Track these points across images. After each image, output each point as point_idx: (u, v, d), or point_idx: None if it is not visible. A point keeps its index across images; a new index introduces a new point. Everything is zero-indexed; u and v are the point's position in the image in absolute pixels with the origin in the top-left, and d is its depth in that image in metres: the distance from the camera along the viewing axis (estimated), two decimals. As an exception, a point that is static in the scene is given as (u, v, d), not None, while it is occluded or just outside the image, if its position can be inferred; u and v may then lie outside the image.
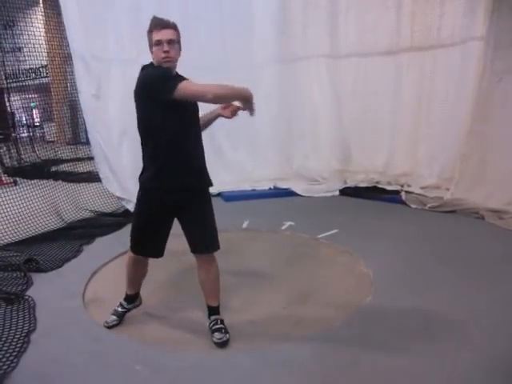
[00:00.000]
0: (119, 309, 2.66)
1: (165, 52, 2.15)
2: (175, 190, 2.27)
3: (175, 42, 2.20)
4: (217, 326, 2.39)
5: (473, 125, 4.83)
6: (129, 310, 2.68)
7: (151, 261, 2.57)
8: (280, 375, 2.08)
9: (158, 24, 2.20)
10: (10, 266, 3.44)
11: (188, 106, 2.24)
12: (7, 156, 8.92)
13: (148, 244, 2.43)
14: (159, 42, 2.16)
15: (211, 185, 2.49)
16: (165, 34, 2.16)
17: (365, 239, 3.98)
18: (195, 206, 2.36)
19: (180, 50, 2.28)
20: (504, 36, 4.44)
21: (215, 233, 2.40)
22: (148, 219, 2.37)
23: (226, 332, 2.38)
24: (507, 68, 4.46)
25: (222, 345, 2.32)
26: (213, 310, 2.46)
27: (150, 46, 2.23)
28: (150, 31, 2.21)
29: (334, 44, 6.04)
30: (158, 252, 2.46)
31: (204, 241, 2.36)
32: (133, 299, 2.69)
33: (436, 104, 5.54)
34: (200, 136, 2.39)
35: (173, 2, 5.85)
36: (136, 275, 2.61)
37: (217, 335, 2.35)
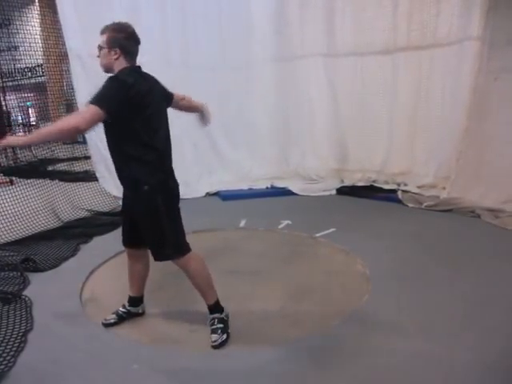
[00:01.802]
0: (120, 309, 2.66)
1: (97, 57, 2.25)
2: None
3: (101, 48, 2.20)
4: (213, 327, 2.38)
5: (469, 124, 4.85)
6: (129, 313, 2.66)
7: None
8: (277, 375, 2.09)
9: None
10: (7, 266, 3.43)
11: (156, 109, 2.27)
12: (3, 155, 8.87)
13: (124, 231, 2.52)
14: None
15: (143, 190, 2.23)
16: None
17: (362, 238, 3.99)
18: (135, 213, 2.32)
19: (114, 51, 2.17)
20: (500, 35, 4.46)
21: (161, 242, 2.27)
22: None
23: (224, 332, 2.37)
24: (503, 67, 4.48)
25: (217, 347, 2.31)
26: (210, 309, 2.45)
27: None
28: None
29: (331, 43, 6.05)
30: (134, 239, 2.47)
31: (153, 248, 2.34)
32: (135, 302, 2.68)
33: (432, 103, 5.56)
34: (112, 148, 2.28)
35: (171, 2, 5.85)
36: (131, 272, 2.61)
37: (213, 337, 2.34)
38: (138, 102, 2.10)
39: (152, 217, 2.22)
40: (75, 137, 2.11)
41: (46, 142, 2.19)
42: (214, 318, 2.42)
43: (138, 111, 2.11)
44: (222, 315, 2.44)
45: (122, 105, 2.04)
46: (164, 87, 2.41)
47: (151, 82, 2.28)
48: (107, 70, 2.24)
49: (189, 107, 2.72)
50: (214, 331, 2.37)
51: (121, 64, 2.20)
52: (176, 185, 2.36)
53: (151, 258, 2.44)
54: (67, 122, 2.03)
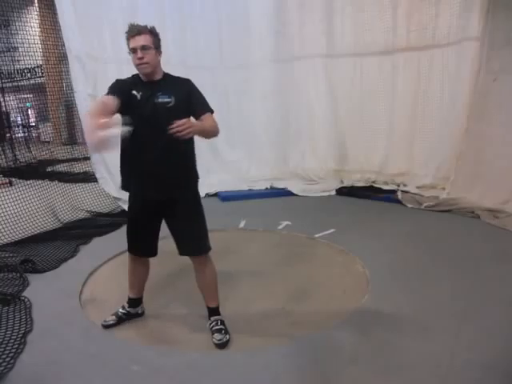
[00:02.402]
0: (120, 310, 2.66)
1: (139, 59, 2.17)
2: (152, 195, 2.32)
3: (149, 48, 2.18)
4: (217, 327, 2.39)
5: (468, 124, 4.86)
6: (129, 314, 2.66)
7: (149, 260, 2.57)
8: (277, 375, 2.08)
9: (131, 31, 2.18)
10: (6, 267, 3.42)
11: (138, 117, 2.14)
12: (2, 156, 8.86)
13: (137, 243, 2.48)
14: (134, 50, 2.18)
15: (188, 191, 2.37)
16: (138, 41, 2.16)
17: (361, 238, 3.99)
18: (179, 208, 2.33)
19: (159, 53, 2.24)
20: (499, 35, 4.47)
21: (203, 234, 2.38)
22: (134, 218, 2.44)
23: (226, 333, 2.38)
24: (502, 67, 4.49)
25: (222, 346, 2.32)
26: (212, 311, 2.47)
27: (129, 54, 2.24)
28: (127, 39, 2.21)
29: (331, 44, 6.06)
30: (149, 251, 2.49)
31: (191, 243, 2.36)
32: (134, 303, 2.68)
33: (432, 104, 5.57)
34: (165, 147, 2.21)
35: (169, 2, 5.86)
36: (133, 276, 2.61)
37: (217, 336, 2.35)
38: None
39: (199, 208, 2.38)
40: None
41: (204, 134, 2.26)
42: (216, 320, 2.43)
43: None
44: (222, 318, 2.46)
45: None
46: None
47: None
48: (153, 70, 2.22)
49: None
50: (218, 331, 2.38)
51: (160, 65, 2.28)
52: None
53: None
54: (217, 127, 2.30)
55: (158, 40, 2.24)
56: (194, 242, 2.36)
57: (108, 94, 2.19)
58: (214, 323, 2.42)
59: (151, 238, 2.45)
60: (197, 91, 2.30)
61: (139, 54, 2.15)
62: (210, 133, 2.27)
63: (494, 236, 3.95)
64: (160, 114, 2.18)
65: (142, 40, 2.15)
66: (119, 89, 2.21)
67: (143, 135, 2.17)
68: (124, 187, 2.40)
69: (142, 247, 2.48)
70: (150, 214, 2.36)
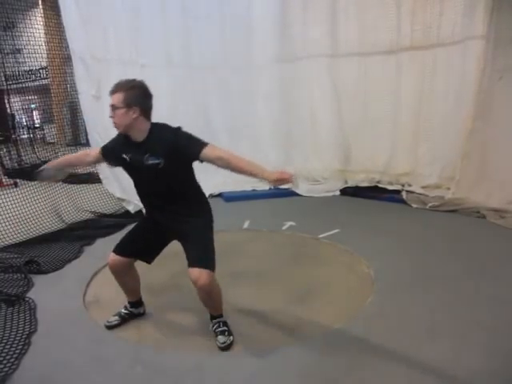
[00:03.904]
0: (122, 310, 2.66)
1: (110, 117, 2.19)
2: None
3: (117, 108, 2.12)
4: (220, 329, 2.38)
5: (474, 123, 4.82)
6: (131, 314, 2.67)
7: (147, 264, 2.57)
8: (281, 377, 2.07)
9: (111, 90, 2.18)
10: (11, 268, 3.43)
11: (134, 174, 2.34)
12: (7, 158, 8.91)
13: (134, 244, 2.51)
14: None
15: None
16: (110, 100, 2.17)
17: (366, 239, 3.97)
18: (189, 236, 2.36)
19: (134, 111, 2.12)
20: (504, 33, 4.43)
21: (209, 255, 2.31)
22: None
23: (230, 334, 2.37)
24: (508, 66, 4.45)
25: (226, 348, 2.31)
26: (213, 316, 2.45)
27: None
28: None
29: (334, 43, 6.03)
30: (142, 255, 2.51)
31: (195, 256, 2.29)
32: (135, 304, 2.69)
33: (436, 103, 5.52)
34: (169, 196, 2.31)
35: (172, 3, 5.86)
36: (124, 286, 2.61)
37: (220, 339, 2.34)
38: None
39: (207, 236, 2.42)
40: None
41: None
42: (218, 322, 2.42)
43: None
44: (224, 319, 2.45)
45: None
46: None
47: None
48: (125, 130, 2.19)
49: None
50: (221, 333, 2.36)
51: (141, 122, 2.18)
52: None
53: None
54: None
55: (134, 95, 2.12)
56: (199, 254, 2.30)
57: (100, 152, 2.39)
58: (216, 325, 2.41)
59: (151, 246, 2.45)
60: (186, 138, 2.19)
61: (110, 114, 2.18)
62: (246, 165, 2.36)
63: (500, 236, 3.92)
64: (153, 173, 2.20)
65: (112, 99, 2.15)
66: (111, 156, 2.37)
67: (144, 187, 2.34)
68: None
69: (137, 249, 2.46)
70: (158, 232, 2.42)
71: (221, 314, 2.46)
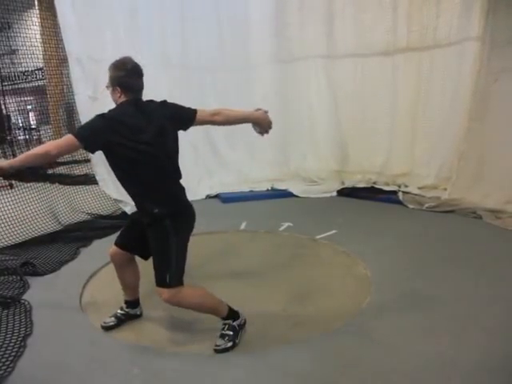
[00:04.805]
0: (118, 311, 2.65)
1: None
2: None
3: (107, 86, 2.27)
4: (223, 332, 2.35)
5: (470, 124, 4.84)
6: (128, 314, 2.66)
7: (149, 262, 2.55)
8: (279, 378, 2.07)
9: None
10: (7, 270, 3.41)
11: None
12: (3, 159, 8.86)
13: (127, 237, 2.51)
14: None
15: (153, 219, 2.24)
16: None
17: (363, 240, 3.97)
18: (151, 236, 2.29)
19: (114, 89, 2.22)
20: (500, 35, 4.45)
21: (164, 269, 2.20)
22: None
23: (230, 340, 2.32)
24: (504, 67, 4.47)
25: (219, 351, 2.28)
26: (223, 317, 2.41)
27: None
28: None
29: (331, 44, 6.05)
30: (136, 250, 2.49)
31: (155, 274, 2.23)
32: (132, 305, 2.67)
33: (433, 104, 5.55)
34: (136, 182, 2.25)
35: (169, 4, 5.85)
36: (123, 281, 2.60)
37: (218, 341, 2.32)
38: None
39: (163, 245, 2.26)
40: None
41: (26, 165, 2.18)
42: (225, 324, 2.38)
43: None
44: (234, 323, 2.38)
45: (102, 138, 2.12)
46: (175, 110, 2.31)
47: (148, 111, 2.23)
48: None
49: (229, 121, 2.52)
50: (221, 336, 2.34)
51: (119, 102, 2.24)
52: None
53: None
54: (44, 147, 2.14)
55: (116, 76, 2.19)
56: (157, 271, 2.23)
57: None
58: (222, 327, 2.38)
59: (142, 241, 2.37)
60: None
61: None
62: (23, 159, 2.18)
63: (497, 236, 3.93)
64: None
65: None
66: None
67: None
68: None
69: (130, 243, 2.47)
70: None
71: (229, 316, 2.38)
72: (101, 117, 2.14)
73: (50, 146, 2.12)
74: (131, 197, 2.33)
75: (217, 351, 2.29)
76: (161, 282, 2.20)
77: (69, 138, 2.07)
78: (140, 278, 2.66)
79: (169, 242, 2.19)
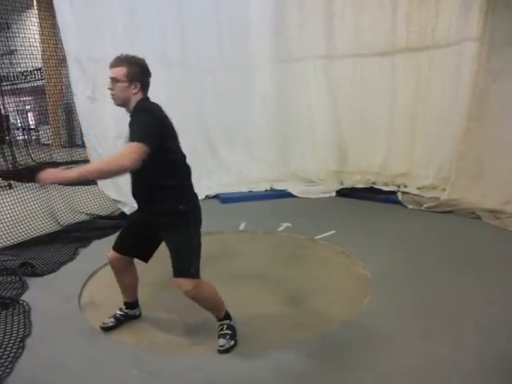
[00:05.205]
0: (118, 312, 2.64)
1: (109, 89, 2.17)
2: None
3: (118, 81, 2.13)
4: (222, 332, 2.36)
5: (469, 125, 4.85)
6: (127, 315, 2.65)
7: (149, 263, 2.55)
8: (278, 378, 2.06)
9: (110, 63, 2.18)
10: (5, 270, 3.40)
11: None
12: (1, 159, 8.84)
13: (125, 241, 2.46)
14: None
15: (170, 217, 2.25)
16: (110, 73, 2.16)
17: (362, 240, 3.97)
18: (166, 234, 2.29)
19: (134, 85, 2.15)
20: (499, 35, 4.46)
21: (185, 261, 2.22)
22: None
23: (232, 338, 2.34)
24: (503, 68, 4.48)
25: (224, 352, 2.29)
26: (219, 318, 2.43)
27: None
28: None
29: (330, 45, 6.06)
30: (136, 253, 2.46)
31: (175, 265, 2.23)
32: (131, 306, 2.67)
33: (432, 104, 5.56)
34: (141, 180, 2.23)
35: (168, 4, 5.85)
36: (122, 284, 2.58)
37: (220, 341, 2.32)
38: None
39: (186, 238, 2.28)
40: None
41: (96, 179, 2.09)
42: (223, 324, 2.39)
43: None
44: (231, 322, 2.42)
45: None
46: None
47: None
48: (122, 103, 2.19)
49: None
50: (222, 336, 2.35)
51: (138, 98, 2.19)
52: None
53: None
54: (116, 161, 1.96)
55: (136, 72, 2.15)
56: (178, 262, 2.23)
57: None
58: (220, 327, 2.39)
59: (141, 242, 2.40)
60: (134, 123, 2.11)
61: (109, 85, 2.16)
62: (96, 174, 2.11)
63: (496, 237, 3.94)
64: None
65: (112, 72, 2.14)
66: None
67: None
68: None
69: (128, 246, 2.44)
70: (148, 229, 2.35)
71: (226, 317, 2.42)
72: (150, 114, 2.11)
73: (122, 159, 1.93)
74: (150, 199, 2.25)
75: (221, 351, 2.29)
76: (185, 272, 2.20)
77: (138, 147, 1.94)
78: (138, 280, 2.66)
79: (191, 235, 2.25)
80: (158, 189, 2.21)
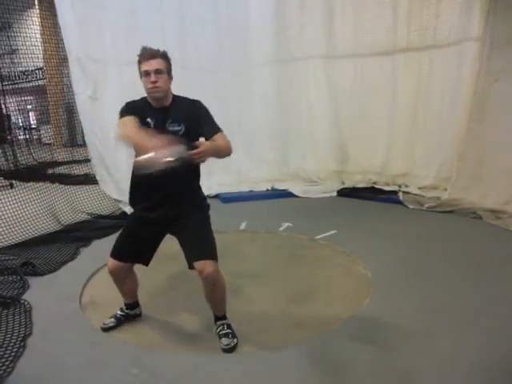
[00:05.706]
0: (118, 312, 2.65)
1: (152, 82, 2.15)
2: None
3: (163, 72, 2.17)
4: (224, 332, 2.36)
5: (470, 125, 4.84)
6: (127, 315, 2.66)
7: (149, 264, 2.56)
8: (279, 378, 2.07)
9: (145, 54, 2.17)
10: (6, 270, 3.41)
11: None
12: (3, 159, 8.86)
13: (129, 248, 2.43)
14: (147, 73, 2.15)
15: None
16: (152, 65, 2.14)
17: (363, 240, 3.97)
18: (189, 222, 2.34)
19: (170, 78, 2.25)
20: (500, 35, 4.45)
21: (211, 244, 2.30)
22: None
23: (234, 337, 2.35)
24: (504, 68, 4.47)
25: (230, 350, 2.29)
26: (218, 318, 2.43)
27: (140, 77, 2.21)
28: (139, 62, 2.19)
29: (331, 44, 6.05)
30: (139, 258, 2.45)
31: (197, 249, 2.26)
32: (131, 306, 2.67)
33: (433, 104, 5.55)
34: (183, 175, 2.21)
35: (169, 4, 5.85)
36: (122, 289, 2.58)
37: (224, 341, 2.32)
38: None
39: (207, 224, 2.43)
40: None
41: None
42: (222, 324, 2.39)
43: None
44: (229, 321, 2.42)
45: None
46: None
47: None
48: (164, 95, 2.22)
49: None
50: (225, 335, 2.34)
51: (171, 92, 2.29)
52: None
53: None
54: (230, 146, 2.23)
55: (170, 65, 2.24)
56: (201, 246, 2.28)
57: (124, 115, 2.17)
58: (220, 327, 2.39)
59: (145, 248, 2.41)
60: (205, 113, 2.28)
61: (153, 78, 2.13)
62: (223, 152, 2.20)
63: (497, 237, 3.93)
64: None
65: (156, 64, 2.14)
66: (135, 113, 2.19)
67: None
68: (131, 203, 2.49)
69: (131, 253, 2.41)
70: (154, 229, 2.36)
71: (224, 316, 2.43)
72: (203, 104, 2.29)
73: (230, 145, 2.22)
74: (184, 193, 2.32)
75: (227, 350, 2.28)
76: (208, 254, 2.23)
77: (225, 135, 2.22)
78: (139, 285, 2.66)
79: (210, 222, 2.42)
80: (197, 180, 2.41)
